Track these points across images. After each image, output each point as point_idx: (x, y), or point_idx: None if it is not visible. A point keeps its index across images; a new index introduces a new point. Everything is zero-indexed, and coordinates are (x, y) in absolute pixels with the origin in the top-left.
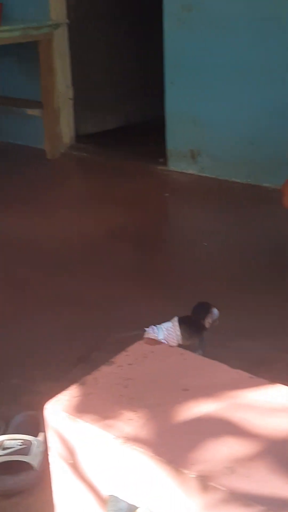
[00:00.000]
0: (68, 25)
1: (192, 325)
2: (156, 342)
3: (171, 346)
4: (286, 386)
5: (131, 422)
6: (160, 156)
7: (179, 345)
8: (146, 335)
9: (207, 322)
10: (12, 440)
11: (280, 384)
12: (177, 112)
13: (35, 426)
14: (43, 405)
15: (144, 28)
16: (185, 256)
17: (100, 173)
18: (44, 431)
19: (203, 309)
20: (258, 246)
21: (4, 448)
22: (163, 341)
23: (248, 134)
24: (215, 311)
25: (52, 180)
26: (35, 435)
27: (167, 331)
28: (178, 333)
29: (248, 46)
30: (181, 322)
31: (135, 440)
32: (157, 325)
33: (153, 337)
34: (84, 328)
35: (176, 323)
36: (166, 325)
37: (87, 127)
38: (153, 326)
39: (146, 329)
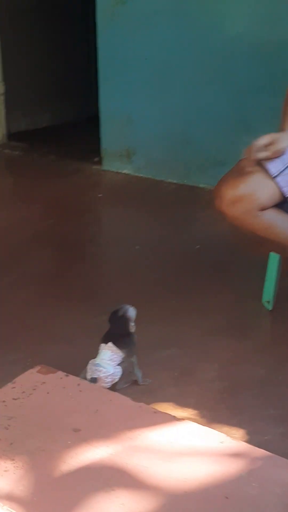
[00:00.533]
0: None
1: (122, 337)
2: (49, 370)
3: (67, 375)
4: (194, 423)
5: (7, 474)
6: (95, 156)
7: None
8: (100, 382)
9: (131, 326)
10: None
11: (187, 421)
12: (111, 110)
13: None
14: None
15: (79, 21)
16: (114, 259)
17: (31, 172)
18: None
19: (119, 316)
20: (190, 250)
21: None
22: (118, 373)
23: (185, 134)
24: (131, 311)
25: None
26: None
27: (112, 361)
28: (120, 353)
29: (180, 41)
30: (113, 341)
31: (8, 498)
32: (96, 363)
33: (110, 379)
34: None
35: (113, 346)
36: (106, 356)
37: (20, 125)
38: (95, 367)
39: (94, 376)
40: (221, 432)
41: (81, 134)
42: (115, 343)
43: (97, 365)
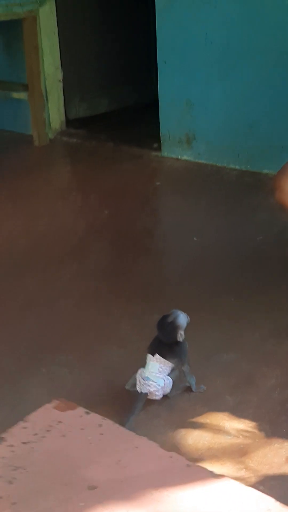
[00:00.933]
0: (55, 1)
1: (170, 346)
2: (68, 406)
3: (88, 413)
4: (234, 482)
5: None
6: (155, 142)
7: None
8: (151, 396)
9: (180, 335)
10: None
11: (227, 478)
12: (171, 93)
13: None
14: None
15: (138, 3)
16: (172, 253)
17: (89, 160)
18: None
19: (168, 323)
20: (253, 242)
21: None
22: (169, 384)
23: (247, 117)
24: (181, 318)
25: (36, 169)
26: None
27: (162, 373)
28: (169, 364)
29: (243, 22)
30: (161, 351)
31: None
32: (146, 377)
33: (161, 392)
34: (50, 338)
35: (160, 358)
36: (155, 369)
37: (78, 111)
38: (144, 381)
39: (144, 391)
40: (282, 447)
41: (140, 119)
42: (163, 354)
43: (147, 378)
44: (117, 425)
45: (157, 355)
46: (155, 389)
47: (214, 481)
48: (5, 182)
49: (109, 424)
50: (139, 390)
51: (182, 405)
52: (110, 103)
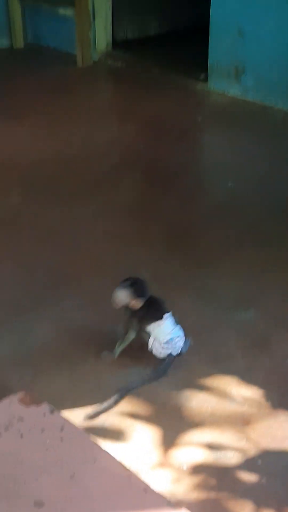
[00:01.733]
0: None
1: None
2: (34, 400)
3: (52, 411)
4: None
5: None
6: (202, 72)
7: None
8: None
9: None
10: None
11: (183, 508)
12: (222, 20)
13: None
14: None
15: None
16: (203, 195)
17: (131, 87)
18: None
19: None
20: None
21: None
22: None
23: None
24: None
25: (75, 92)
26: None
27: (173, 324)
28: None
29: None
30: (163, 310)
31: None
32: (168, 339)
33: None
34: (66, 275)
35: (167, 315)
36: (168, 327)
37: (126, 32)
38: (171, 344)
39: (176, 351)
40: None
41: (190, 45)
42: (164, 311)
43: (171, 340)
44: (79, 430)
45: (165, 315)
46: (182, 340)
47: None
48: (42, 101)
49: (71, 428)
50: (165, 354)
51: (191, 364)
52: (160, 25)
